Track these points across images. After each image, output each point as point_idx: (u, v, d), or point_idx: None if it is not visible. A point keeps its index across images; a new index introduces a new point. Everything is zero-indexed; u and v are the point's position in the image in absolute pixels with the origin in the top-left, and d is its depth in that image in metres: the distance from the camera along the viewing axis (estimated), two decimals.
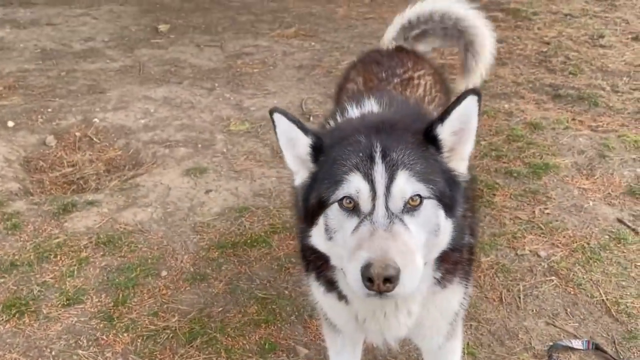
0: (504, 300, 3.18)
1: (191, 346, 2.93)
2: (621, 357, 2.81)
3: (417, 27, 3.10)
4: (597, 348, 2.82)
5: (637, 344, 2.88)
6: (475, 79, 3.10)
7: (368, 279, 1.50)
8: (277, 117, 1.78)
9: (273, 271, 3.45)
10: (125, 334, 3.01)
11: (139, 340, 2.97)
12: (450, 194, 1.70)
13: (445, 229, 1.70)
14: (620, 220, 3.75)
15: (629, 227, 3.69)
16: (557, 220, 3.78)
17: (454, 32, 3.09)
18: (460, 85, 3.09)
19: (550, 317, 3.07)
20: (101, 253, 3.60)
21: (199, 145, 4.83)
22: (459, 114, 1.70)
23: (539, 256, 3.50)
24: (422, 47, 3.13)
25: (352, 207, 1.63)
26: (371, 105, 2.08)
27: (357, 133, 1.74)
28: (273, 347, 2.92)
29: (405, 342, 2.69)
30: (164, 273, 3.44)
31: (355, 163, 1.64)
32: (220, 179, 4.36)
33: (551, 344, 2.87)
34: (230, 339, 2.96)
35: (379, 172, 1.61)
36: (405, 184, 1.61)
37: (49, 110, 5.38)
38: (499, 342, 2.93)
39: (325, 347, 2.56)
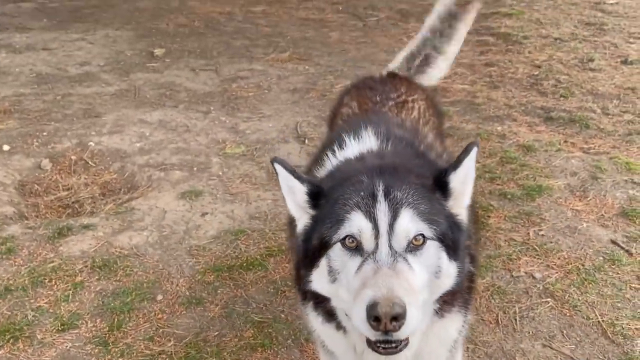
0: (500, 323, 3.18)
1: None
2: None
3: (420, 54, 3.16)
4: None
5: None
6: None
7: (375, 318, 1.47)
8: (277, 166, 1.80)
9: (269, 294, 3.44)
10: (120, 359, 2.98)
11: None
12: (454, 237, 1.71)
13: (448, 272, 1.70)
14: (614, 242, 3.78)
15: (622, 248, 3.72)
16: (551, 242, 3.81)
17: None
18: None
19: (547, 339, 3.08)
20: (96, 277, 3.58)
21: (195, 169, 4.84)
22: (467, 164, 1.74)
23: (534, 278, 3.51)
24: (426, 79, 3.17)
25: (355, 247, 1.62)
26: (369, 138, 2.09)
27: (359, 174, 1.75)
28: None
29: None
30: (159, 297, 3.43)
31: (357, 202, 1.64)
32: (216, 202, 4.37)
33: None
34: None
35: (382, 210, 1.61)
36: (410, 223, 1.62)
37: (45, 134, 5.39)
38: None
39: None
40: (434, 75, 3.23)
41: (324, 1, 10.27)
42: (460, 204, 1.79)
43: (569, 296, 3.35)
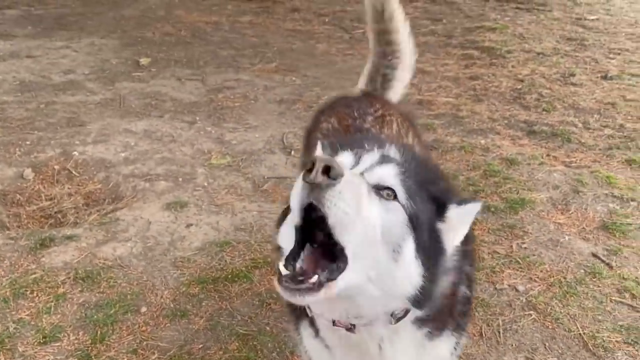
0: (484, 335, 3.21)
1: None
2: None
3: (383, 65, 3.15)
4: None
5: None
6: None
7: (308, 171, 1.32)
8: None
9: (254, 307, 3.43)
10: None
11: None
12: (429, 242, 1.56)
13: (409, 267, 1.49)
14: (595, 255, 3.84)
15: (603, 261, 3.78)
16: (534, 255, 3.86)
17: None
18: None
19: (530, 351, 3.11)
20: (79, 289, 3.55)
21: (180, 179, 4.83)
22: (470, 209, 1.65)
23: (517, 290, 3.55)
24: (392, 94, 3.15)
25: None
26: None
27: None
28: None
29: None
30: (143, 309, 3.40)
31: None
32: (201, 213, 4.36)
33: None
34: None
35: (373, 155, 1.61)
36: (389, 176, 1.51)
37: (27, 142, 5.34)
38: None
39: None
40: (398, 88, 3.22)
41: (311, 13, 10.34)
42: (447, 235, 1.65)
43: (551, 309, 3.39)
